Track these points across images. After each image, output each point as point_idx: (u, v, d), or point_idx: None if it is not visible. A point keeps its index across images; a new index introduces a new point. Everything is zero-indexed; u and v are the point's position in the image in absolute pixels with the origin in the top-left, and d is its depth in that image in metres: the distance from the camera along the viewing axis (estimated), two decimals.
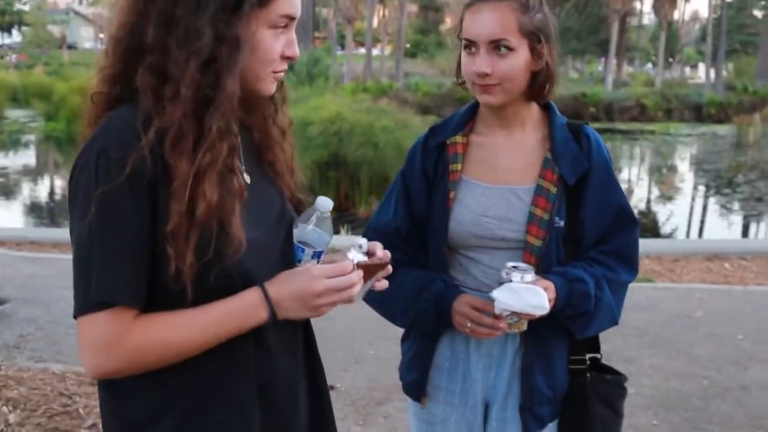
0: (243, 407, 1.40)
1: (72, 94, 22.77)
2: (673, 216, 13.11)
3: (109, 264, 1.25)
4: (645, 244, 8.72)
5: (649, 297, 6.09)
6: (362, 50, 41.79)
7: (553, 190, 1.82)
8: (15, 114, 26.44)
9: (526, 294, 1.67)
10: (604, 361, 2.00)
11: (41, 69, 35.17)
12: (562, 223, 1.82)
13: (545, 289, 1.70)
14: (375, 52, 45.32)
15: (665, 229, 12.03)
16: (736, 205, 14.19)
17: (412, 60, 50.55)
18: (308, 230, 1.42)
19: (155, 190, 1.27)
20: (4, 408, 3.71)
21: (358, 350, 4.79)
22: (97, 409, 3.69)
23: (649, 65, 70.44)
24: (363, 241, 1.46)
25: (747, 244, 9.62)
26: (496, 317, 1.73)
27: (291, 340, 1.49)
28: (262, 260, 1.38)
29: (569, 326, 1.85)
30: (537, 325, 1.78)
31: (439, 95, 29.50)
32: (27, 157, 20.99)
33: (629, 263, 1.90)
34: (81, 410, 3.74)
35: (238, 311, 1.33)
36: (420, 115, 15.39)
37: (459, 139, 1.90)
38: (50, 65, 37.02)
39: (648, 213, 13.82)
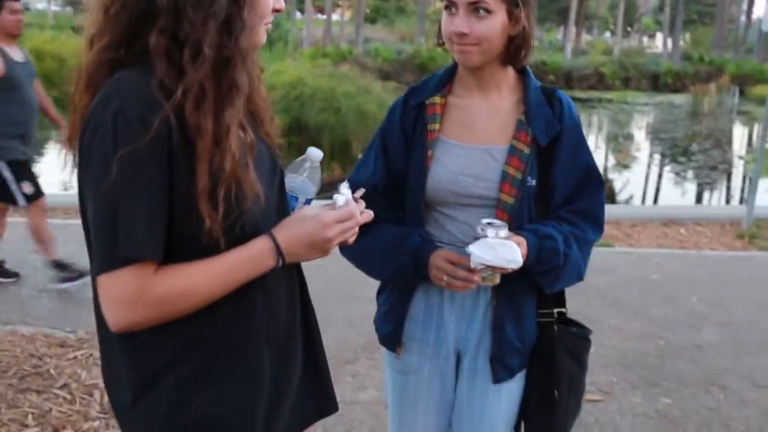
0: (253, 352, 1.47)
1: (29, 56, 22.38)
2: (629, 183, 13.38)
3: (134, 223, 1.29)
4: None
5: (608, 261, 6.25)
6: (322, 16, 41.44)
7: (526, 150, 1.90)
8: None
9: (500, 249, 1.74)
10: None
11: None
12: (534, 183, 1.90)
13: (518, 245, 1.78)
14: (335, 17, 44.98)
15: (622, 196, 12.26)
16: (691, 173, 14.48)
17: (372, 26, 50.31)
18: (300, 180, 1.49)
19: (173, 150, 1.30)
20: None
21: (327, 311, 4.85)
22: (68, 369, 3.74)
23: (608, 34, 70.92)
24: (345, 183, 1.53)
25: (702, 211, 9.85)
26: (471, 271, 1.80)
27: (289, 284, 1.57)
28: (265, 211, 1.44)
29: (539, 281, 1.93)
30: (508, 279, 1.87)
31: (399, 61, 29.47)
32: None
33: (595, 222, 1.98)
34: (52, 371, 3.77)
35: (251, 259, 1.40)
36: (380, 80, 15.39)
37: (437, 99, 1.96)
38: None
39: (606, 180, 14.04)
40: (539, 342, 2.01)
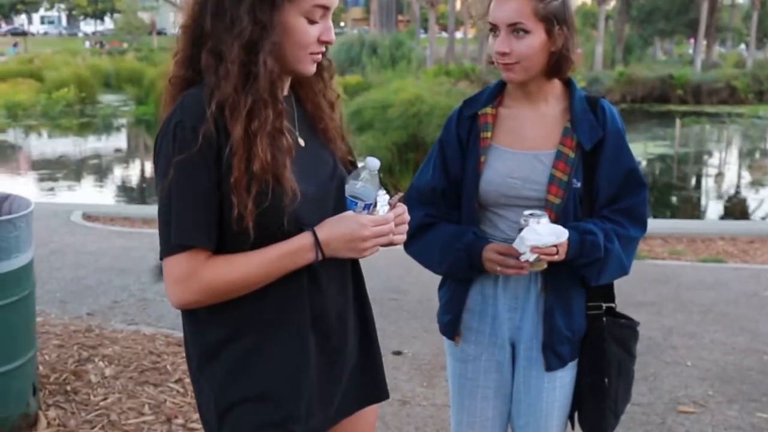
0: (299, 335, 1.67)
1: (161, 79, 23.51)
2: (765, 202, 12.86)
3: (184, 215, 1.55)
4: (719, 226, 8.70)
5: (718, 276, 6.14)
6: (445, 34, 41.76)
7: (572, 155, 2.07)
8: (108, 99, 27.52)
9: (544, 230, 1.93)
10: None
11: (132, 55, 36.36)
12: (579, 185, 2.07)
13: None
14: (458, 35, 45.25)
15: (757, 215, 11.81)
16: None
17: None
18: (358, 186, 1.67)
19: (220, 153, 1.55)
20: (101, 363, 4.08)
21: (427, 321, 5.01)
22: (183, 366, 4.04)
23: (743, 46, 68.13)
24: (383, 191, 1.71)
25: None
26: (529, 262, 1.98)
27: (341, 277, 1.76)
28: (315, 211, 1.64)
29: (583, 273, 2.09)
30: (555, 272, 2.05)
31: None
32: (119, 140, 21.89)
33: (638, 220, 2.12)
34: (168, 366, 4.09)
35: (291, 252, 1.60)
36: None
37: (489, 110, 2.14)
38: (141, 51, 38.23)
39: (735, 197, 13.60)
40: (589, 332, 2.15)
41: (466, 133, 2.15)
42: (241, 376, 1.65)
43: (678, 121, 18.92)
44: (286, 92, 1.71)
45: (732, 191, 14.40)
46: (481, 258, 2.07)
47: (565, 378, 2.18)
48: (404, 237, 1.72)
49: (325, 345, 1.71)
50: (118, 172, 16.55)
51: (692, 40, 47.48)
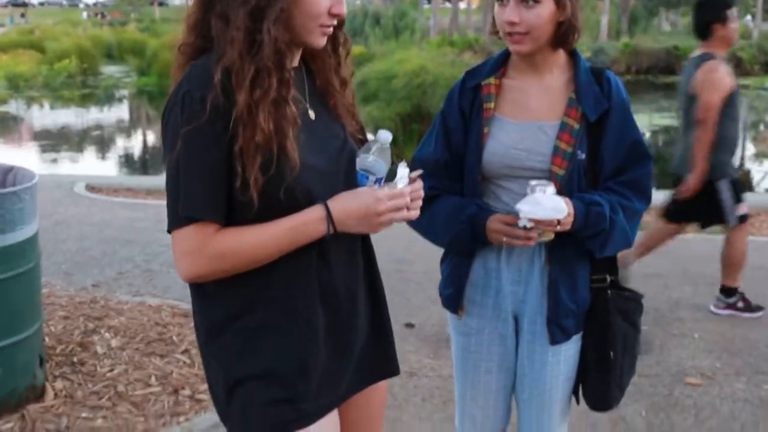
0: (308, 311, 1.64)
1: (164, 50, 23.42)
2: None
3: (192, 187, 1.52)
4: None
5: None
6: (449, 4, 41.45)
7: (576, 126, 2.04)
8: (110, 70, 27.38)
9: (545, 202, 1.89)
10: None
11: (134, 26, 36.13)
12: (583, 156, 2.04)
13: (565, 202, 1.93)
14: (462, 5, 44.89)
15: (762, 187, 11.75)
16: None
17: None
18: (370, 159, 1.63)
19: (228, 119, 1.51)
20: (107, 334, 4.08)
21: (433, 292, 4.97)
22: (190, 337, 4.05)
23: (749, 17, 67.61)
24: (403, 163, 1.68)
25: None
26: (526, 229, 1.95)
27: (351, 252, 1.72)
28: (325, 183, 1.61)
29: (588, 245, 2.06)
30: (560, 244, 2.03)
31: None
32: (121, 110, 21.80)
33: (642, 193, 2.10)
34: (174, 338, 4.09)
35: (302, 224, 1.57)
36: None
37: (492, 81, 2.11)
38: (142, 22, 37.98)
39: (739, 169, 13.53)
40: (593, 305, 2.13)
41: (468, 105, 2.11)
42: (249, 353, 1.63)
43: None
44: (296, 63, 1.67)
45: (736, 163, 14.33)
46: (484, 230, 2.05)
47: (569, 351, 2.16)
48: (418, 212, 1.68)
49: (335, 321, 1.68)
50: (120, 143, 16.49)
51: None
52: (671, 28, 49.32)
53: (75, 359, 3.75)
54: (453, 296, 2.22)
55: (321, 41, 1.63)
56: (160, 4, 49.74)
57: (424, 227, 2.17)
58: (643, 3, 45.23)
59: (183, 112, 1.51)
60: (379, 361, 1.84)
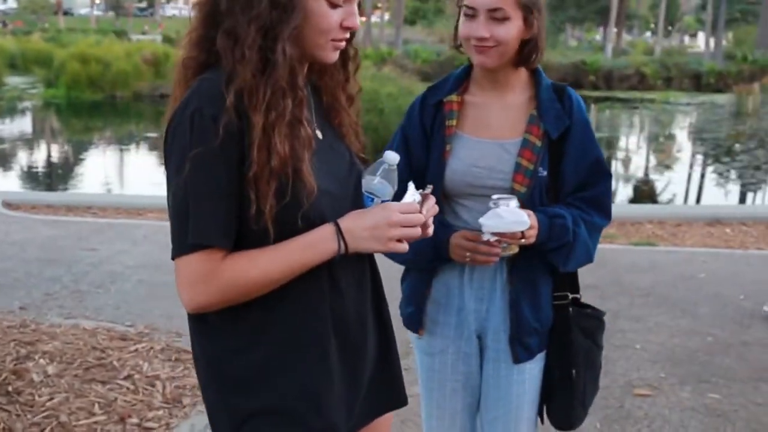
0: (320, 342, 1.56)
1: (72, 61, 22.79)
2: (672, 183, 13.27)
3: (202, 213, 1.42)
4: (647, 210, 8.92)
5: (653, 260, 6.27)
6: (362, 18, 41.69)
7: (539, 143, 2.04)
8: (14, 81, 26.36)
9: (507, 215, 1.88)
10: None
11: (38, 35, 34.96)
12: (545, 173, 2.04)
13: (527, 215, 1.91)
14: (374, 18, 45.14)
15: (664, 197, 12.18)
16: (734, 174, 14.31)
17: (411, 27, 50.33)
18: (376, 181, 1.57)
19: (242, 142, 1.43)
20: (42, 360, 3.87)
21: None
22: (131, 361, 3.89)
23: (648, 34, 70.19)
24: (411, 183, 1.62)
25: (747, 210, 9.78)
26: (489, 244, 1.93)
27: (360, 279, 1.65)
28: (336, 208, 1.53)
29: (552, 259, 2.05)
30: (522, 261, 2.02)
31: (438, 62, 29.44)
32: (27, 123, 20.99)
33: (602, 210, 2.11)
34: (115, 362, 3.91)
35: (313, 243, 1.49)
36: (420, 82, 15.43)
37: (454, 98, 2.09)
38: (47, 32, 36.81)
39: (648, 180, 13.98)
40: (555, 323, 2.13)
41: (430, 121, 2.09)
42: (258, 387, 1.53)
43: (593, 106, 19.31)
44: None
45: (644, 174, 14.79)
46: (447, 246, 2.03)
47: (534, 370, 2.15)
48: (432, 229, 1.63)
49: (347, 351, 1.61)
50: (31, 157, 15.86)
51: (602, 27, 48.60)
52: (577, 43, 50.81)
53: (10, 388, 3.54)
54: (414, 315, 2.18)
55: (333, 56, 1.57)
56: (65, 14, 48.30)
57: None
58: (551, 19, 46.43)
59: (192, 131, 1.41)
60: (387, 391, 1.77)
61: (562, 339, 2.12)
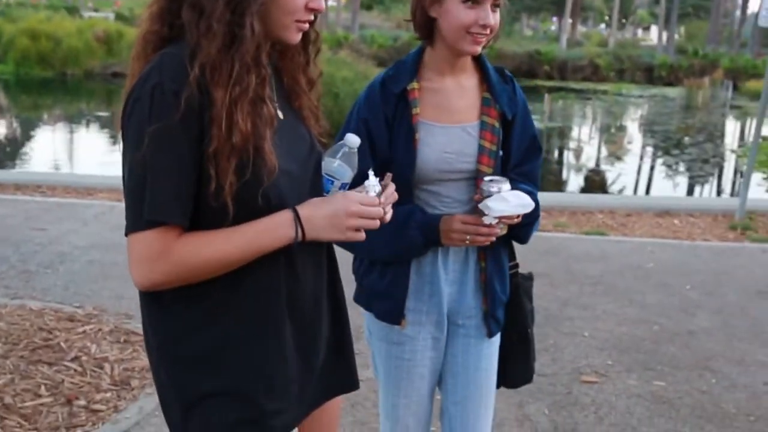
0: (275, 325, 1.55)
1: (21, 36, 22.25)
2: (623, 174, 13.45)
3: (160, 189, 1.39)
4: (599, 200, 9.04)
5: (603, 249, 6.36)
6: None
7: (497, 125, 2.10)
8: None
9: (512, 199, 1.94)
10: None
11: None
12: (501, 153, 2.11)
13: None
14: (331, 2, 44.84)
15: (615, 187, 12.34)
16: (683, 166, 14.58)
17: (367, 12, 50.20)
18: (336, 164, 1.56)
19: (203, 118, 1.40)
20: None
21: None
22: (78, 343, 3.83)
23: (603, 26, 70.95)
24: (371, 171, 1.61)
25: (695, 202, 9.97)
26: (491, 225, 1.98)
27: (316, 261, 1.64)
28: (295, 189, 1.52)
29: (521, 233, 2.16)
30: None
31: (394, 48, 29.47)
32: None
33: (536, 183, 2.23)
34: (62, 344, 3.85)
35: (270, 229, 1.47)
36: (376, 67, 15.40)
37: (416, 85, 2.08)
38: None
39: (599, 171, 14.16)
40: (511, 291, 2.25)
41: (392, 111, 2.07)
42: (211, 368, 1.52)
43: (547, 96, 19.48)
44: None
45: (595, 164, 14.97)
46: (437, 233, 2.03)
47: (497, 340, 2.25)
48: (390, 216, 1.62)
49: (301, 333, 1.60)
50: None
51: (556, 18, 48.99)
52: (532, 33, 51.14)
53: None
54: (394, 309, 2.15)
55: (296, 37, 1.55)
56: None
57: (365, 243, 2.09)
58: (506, 8, 46.62)
59: (152, 106, 1.38)
60: (340, 374, 1.77)
61: (516, 304, 2.25)
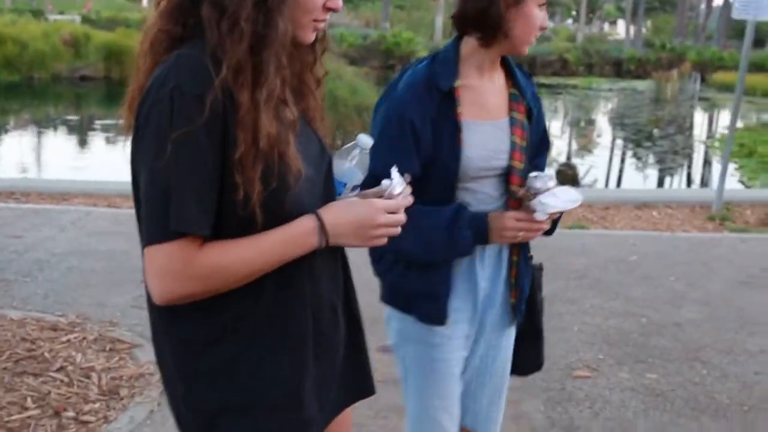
0: (299, 334, 1.49)
1: None
2: (595, 167, 13.52)
3: (186, 198, 1.32)
4: None
5: (584, 243, 6.37)
6: None
7: (525, 120, 2.13)
8: None
9: (562, 194, 1.99)
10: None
11: None
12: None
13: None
14: None
15: (587, 180, 12.38)
16: (654, 158, 14.68)
17: None
18: (348, 166, 1.51)
19: (227, 122, 1.34)
20: None
21: None
22: (63, 353, 3.75)
23: (570, 21, 71.39)
24: (395, 168, 1.56)
25: (672, 194, 10.04)
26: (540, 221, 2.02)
27: (333, 266, 1.59)
28: (312, 192, 1.47)
29: (553, 227, 2.17)
30: None
31: (364, 47, 29.41)
32: None
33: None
34: (47, 354, 3.76)
35: (295, 237, 1.42)
36: (348, 66, 15.32)
37: (459, 83, 2.06)
38: None
39: (572, 165, 14.21)
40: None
41: (436, 109, 2.03)
42: (232, 379, 1.46)
43: None
44: None
45: (566, 158, 15.03)
46: (487, 231, 2.03)
47: (513, 332, 2.30)
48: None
49: (321, 340, 1.54)
50: None
51: None
52: None
53: None
54: (438, 310, 2.10)
55: (311, 37, 1.49)
56: None
57: (416, 246, 2.03)
58: None
59: (173, 111, 1.30)
60: (358, 379, 1.71)
61: (533, 294, 2.28)
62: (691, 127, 19.60)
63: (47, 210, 6.97)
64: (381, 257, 2.14)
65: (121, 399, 3.40)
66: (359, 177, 1.54)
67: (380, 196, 1.53)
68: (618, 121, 20.57)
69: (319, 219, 1.44)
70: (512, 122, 2.10)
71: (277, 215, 1.40)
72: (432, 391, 2.18)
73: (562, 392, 3.70)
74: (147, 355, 3.86)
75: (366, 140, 1.53)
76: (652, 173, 13.48)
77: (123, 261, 5.35)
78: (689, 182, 12.93)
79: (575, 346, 4.27)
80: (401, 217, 1.51)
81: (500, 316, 2.21)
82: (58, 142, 14.77)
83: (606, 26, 74.69)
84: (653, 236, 6.81)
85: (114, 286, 4.83)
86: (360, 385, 1.73)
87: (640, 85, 29.62)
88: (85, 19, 31.44)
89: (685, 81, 30.48)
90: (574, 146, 16.76)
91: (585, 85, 28.63)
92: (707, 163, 14.41)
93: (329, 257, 1.55)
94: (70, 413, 3.23)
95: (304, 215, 1.44)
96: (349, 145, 1.55)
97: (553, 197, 1.96)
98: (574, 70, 33.00)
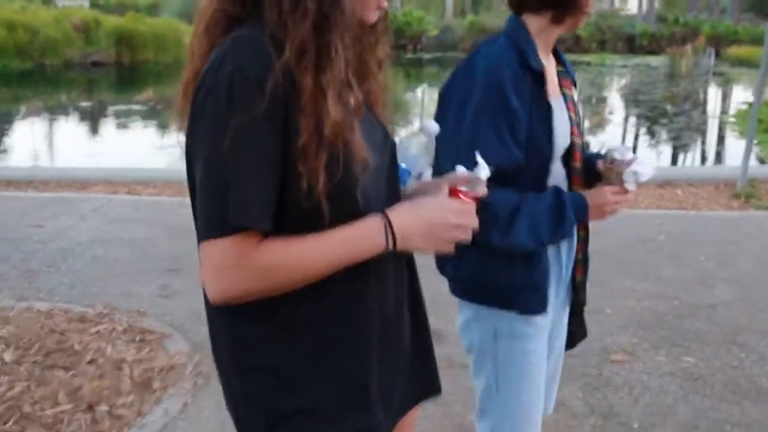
0: (364, 334, 1.42)
1: None
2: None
3: (246, 191, 1.24)
4: None
5: (610, 222, 6.25)
6: None
7: (575, 96, 2.12)
8: None
9: (645, 163, 2.00)
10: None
11: None
12: None
13: None
14: None
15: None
16: (673, 135, 14.52)
17: None
18: (413, 153, 1.45)
19: (288, 108, 1.26)
20: None
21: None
22: (93, 344, 3.70)
23: None
24: (479, 157, 1.48)
25: (695, 171, 9.89)
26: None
27: (398, 269, 1.51)
28: (374, 182, 1.38)
29: None
30: None
31: None
32: None
33: None
34: (77, 346, 3.73)
35: (360, 237, 1.34)
36: None
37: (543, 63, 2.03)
38: None
39: (588, 143, 14.08)
40: None
41: (529, 92, 1.95)
42: (298, 382, 1.39)
43: None
44: None
45: (587, 136, 14.92)
46: (586, 210, 1.99)
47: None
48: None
49: (386, 340, 1.47)
50: None
51: None
52: None
53: None
54: (541, 299, 2.03)
55: (375, 16, 1.41)
56: None
57: (525, 236, 1.94)
58: None
59: (232, 96, 1.22)
60: (425, 379, 1.65)
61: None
62: (706, 103, 19.39)
63: (67, 198, 6.94)
64: (462, 260, 2.03)
65: (154, 391, 3.36)
66: (423, 164, 1.47)
67: (455, 185, 1.45)
68: (633, 98, 20.37)
69: (386, 218, 1.36)
70: (565, 98, 2.07)
71: (343, 206, 1.32)
72: (529, 385, 2.09)
73: (600, 378, 3.64)
74: (177, 345, 3.83)
75: (432, 126, 1.47)
76: (670, 150, 13.33)
77: (146, 248, 5.32)
78: (706, 159, 12.78)
79: (609, 329, 4.20)
80: (473, 220, 1.41)
81: (564, 295, 2.19)
82: (74, 129, 14.74)
83: (617, 1, 73.99)
84: (680, 215, 6.72)
85: (139, 275, 4.81)
86: (427, 386, 1.67)
87: (654, 60, 29.31)
88: (93, 4, 31.36)
89: (699, 56, 30.12)
90: (591, 124, 16.60)
91: (598, 62, 28.37)
92: (724, 139, 14.24)
93: (395, 259, 1.47)
94: (104, 407, 3.19)
95: (370, 215, 1.36)
96: (413, 130, 1.48)
97: (641, 165, 1.96)
98: (587, 46, 32.72)
